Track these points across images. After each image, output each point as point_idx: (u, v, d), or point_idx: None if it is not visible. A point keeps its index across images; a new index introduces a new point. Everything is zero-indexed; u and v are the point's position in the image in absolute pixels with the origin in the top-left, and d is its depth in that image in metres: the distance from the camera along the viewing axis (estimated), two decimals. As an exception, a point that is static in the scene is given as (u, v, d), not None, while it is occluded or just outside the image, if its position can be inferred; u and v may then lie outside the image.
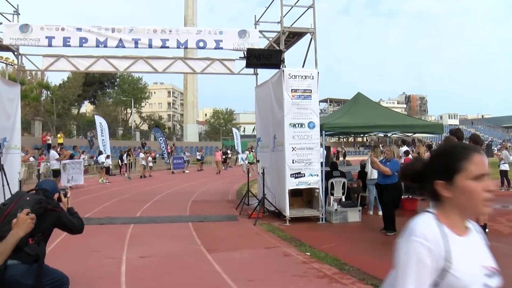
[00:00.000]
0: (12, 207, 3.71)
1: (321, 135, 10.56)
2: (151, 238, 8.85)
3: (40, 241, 3.79)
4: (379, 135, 15.03)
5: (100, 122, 30.03)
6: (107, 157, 25.15)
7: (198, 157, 35.12)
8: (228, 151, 42.95)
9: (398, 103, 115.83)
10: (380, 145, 9.98)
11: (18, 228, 3.11)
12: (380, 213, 9.89)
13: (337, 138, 64.01)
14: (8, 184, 9.59)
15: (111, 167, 26.25)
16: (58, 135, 32.82)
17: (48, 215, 3.87)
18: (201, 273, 6.35)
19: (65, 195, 4.31)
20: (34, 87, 44.23)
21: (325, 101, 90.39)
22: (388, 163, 9.23)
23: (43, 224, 3.79)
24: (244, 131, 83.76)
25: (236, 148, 45.43)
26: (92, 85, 58.24)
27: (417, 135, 16.84)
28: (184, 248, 7.85)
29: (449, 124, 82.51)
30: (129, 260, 7.05)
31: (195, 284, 5.89)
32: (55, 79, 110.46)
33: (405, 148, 16.10)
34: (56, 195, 4.27)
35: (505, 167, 16.49)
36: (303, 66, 11.48)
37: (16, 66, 13.01)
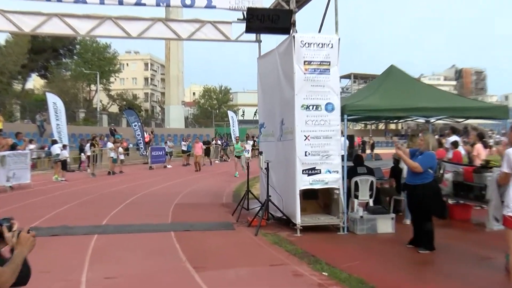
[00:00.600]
0: None
1: (342, 120, 10.53)
2: (120, 253, 8.88)
3: None
4: (418, 120, 14.92)
5: (54, 102, 29.87)
6: (64, 147, 24.76)
7: (184, 148, 35.22)
8: (219, 142, 43.10)
9: (445, 79, 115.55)
10: (420, 134, 9.86)
11: (22, 247, 3.43)
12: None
13: (363, 125, 64.19)
14: None
15: (68, 160, 26.20)
16: None
17: None
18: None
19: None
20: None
21: (347, 77, 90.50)
22: (420, 156, 8.91)
23: None
24: (243, 115, 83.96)
25: (232, 136, 45.38)
26: (42, 52, 56.40)
27: (471, 121, 16.55)
28: (164, 266, 7.87)
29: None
30: (90, 283, 6.98)
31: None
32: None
33: (453, 137, 15.92)
34: None
35: None
36: (319, 31, 11.43)
37: None
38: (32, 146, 25.73)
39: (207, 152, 35.80)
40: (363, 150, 40.60)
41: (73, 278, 7.12)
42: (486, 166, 11.71)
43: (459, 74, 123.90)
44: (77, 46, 63.55)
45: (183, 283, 6.98)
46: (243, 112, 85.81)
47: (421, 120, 14.63)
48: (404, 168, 11.07)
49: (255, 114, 70.68)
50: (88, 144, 28.82)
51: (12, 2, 10.92)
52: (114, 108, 72.57)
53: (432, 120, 14.11)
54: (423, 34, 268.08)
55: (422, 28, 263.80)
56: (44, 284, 6.71)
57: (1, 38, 52.76)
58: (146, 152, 34.48)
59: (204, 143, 34.98)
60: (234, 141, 32.94)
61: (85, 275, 7.37)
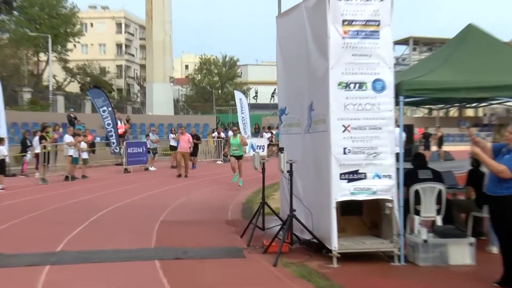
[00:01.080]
0: None
1: (396, 104, 10.62)
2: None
3: None
4: (509, 104, 14.85)
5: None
6: (0, 142, 24.67)
7: (173, 143, 35.30)
8: (222, 134, 43.08)
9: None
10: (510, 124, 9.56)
11: None
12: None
13: (426, 111, 63.50)
14: None
15: (8, 160, 26.06)
16: None
17: None
18: None
19: None
20: None
21: (404, 42, 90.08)
22: (508, 155, 8.65)
23: None
24: (255, 97, 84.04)
25: (242, 126, 45.40)
26: None
27: None
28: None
29: None
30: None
31: None
32: None
33: None
34: None
35: None
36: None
37: None
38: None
39: (195, 151, 34.19)
40: (427, 147, 40.51)
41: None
42: None
43: None
44: (19, -2, 63.41)
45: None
46: (256, 92, 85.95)
47: (514, 102, 14.60)
48: (487, 173, 11.09)
49: (272, 96, 70.86)
50: (37, 138, 28.94)
51: None
52: (74, 87, 72.93)
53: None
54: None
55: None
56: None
57: None
58: (120, 148, 34.65)
59: (192, 137, 32.58)
60: (230, 134, 32.47)
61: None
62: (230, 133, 31.89)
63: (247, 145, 26.58)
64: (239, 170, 24.45)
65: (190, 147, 30.60)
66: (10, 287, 8.83)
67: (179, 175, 28.93)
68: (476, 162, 12.29)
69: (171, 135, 36.27)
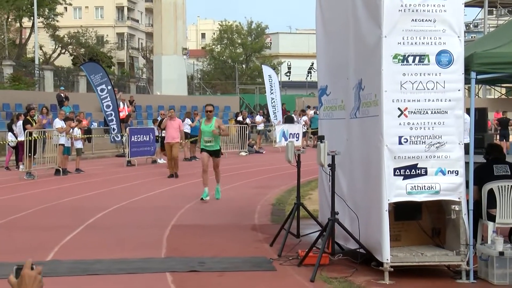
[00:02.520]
0: None
1: (468, 82, 10.61)
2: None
3: None
4: None
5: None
6: None
7: (187, 130, 35.40)
8: (248, 120, 43.07)
9: None
10: None
11: None
12: None
13: (505, 91, 62.58)
14: None
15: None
16: None
17: None
18: None
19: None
20: None
21: (478, 3, 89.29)
22: None
23: None
24: (288, 73, 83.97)
25: (272, 109, 45.45)
26: None
27: None
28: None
29: None
30: None
31: None
32: None
33: None
34: None
35: None
36: None
37: None
38: None
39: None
40: (504, 136, 40.17)
41: None
42: None
43: None
44: None
45: None
46: (289, 68, 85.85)
47: None
48: None
49: (309, 73, 70.65)
50: (20, 122, 28.81)
51: None
52: (65, 60, 73.31)
53: None
54: None
55: None
56: None
57: None
58: (122, 136, 34.74)
59: (160, 123, 30.15)
60: (192, 119, 32.95)
61: None
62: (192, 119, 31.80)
63: (228, 134, 22.65)
64: (215, 174, 19.66)
65: (180, 136, 29.20)
66: None
67: (171, 175, 27.00)
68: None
69: (187, 120, 36.33)
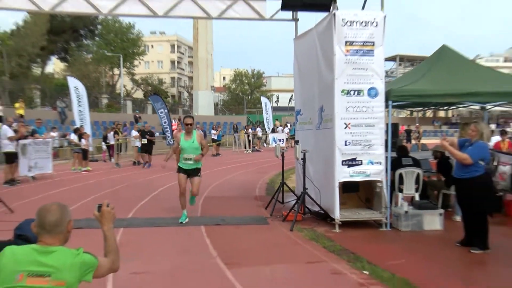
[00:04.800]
0: None
1: (386, 106, 10.53)
2: (148, 247, 9.09)
3: None
4: (472, 107, 14.75)
5: (76, 86, 29.82)
6: (82, 136, 24.71)
7: (214, 137, 35.44)
8: (250, 130, 43.11)
9: (505, 61, 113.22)
10: (473, 123, 9.66)
11: (108, 222, 4.29)
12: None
13: (409, 112, 63.31)
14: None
15: (91, 149, 26.27)
16: (17, 105, 32.06)
17: None
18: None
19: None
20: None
21: (392, 59, 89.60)
22: (470, 147, 8.76)
23: None
24: (277, 101, 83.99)
25: (265, 124, 45.61)
26: (62, 33, 56.36)
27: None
28: (193, 262, 8.04)
29: None
30: (117, 278, 7.11)
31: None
32: (4, 23, 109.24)
33: None
34: None
35: None
36: (363, 8, 11.38)
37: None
38: (53, 134, 26.02)
39: (149, 148, 25.95)
40: (408, 140, 40.29)
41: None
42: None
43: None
44: (99, 27, 63.84)
45: (214, 281, 7.08)
46: (277, 98, 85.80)
47: (476, 107, 14.44)
48: (454, 162, 11.01)
49: (290, 100, 70.70)
50: (112, 133, 28.60)
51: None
52: (139, 94, 73.24)
53: (488, 106, 13.93)
54: (480, 9, 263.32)
55: (478, 4, 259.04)
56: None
57: (19, 18, 53.43)
58: (173, 141, 34.58)
59: (143, 134, 25.77)
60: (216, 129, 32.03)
61: (112, 270, 7.54)
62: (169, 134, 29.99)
63: (207, 151, 12.08)
64: (192, 192, 11.52)
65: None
66: (95, 243, 8.83)
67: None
68: (439, 153, 12.43)
69: (213, 131, 36.32)
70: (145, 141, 24.30)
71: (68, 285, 3.48)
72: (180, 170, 11.19)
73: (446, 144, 8.78)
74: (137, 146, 27.33)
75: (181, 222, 11.05)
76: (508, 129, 41.58)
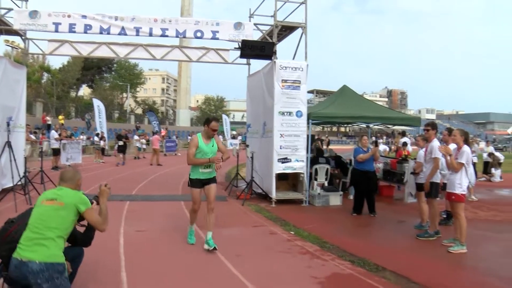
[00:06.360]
0: (19, 225, 3.96)
1: (308, 123, 10.63)
2: (146, 214, 8.98)
3: None
4: (361, 125, 15.14)
5: (98, 105, 29.98)
6: (102, 138, 24.91)
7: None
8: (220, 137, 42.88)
9: (380, 97, 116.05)
10: (364, 136, 10.06)
11: (103, 197, 4.42)
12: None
13: (321, 128, 64.24)
14: (15, 160, 9.61)
15: (106, 147, 25.96)
16: (60, 117, 33.48)
17: None
18: (192, 247, 6.50)
19: (96, 201, 4.60)
20: (36, 69, 43.69)
21: (311, 92, 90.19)
22: (362, 152, 9.51)
23: None
24: (233, 118, 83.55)
25: (225, 133, 45.42)
26: (91, 69, 57.80)
27: (396, 127, 16.85)
28: (177, 225, 7.98)
29: (426, 118, 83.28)
30: (126, 234, 7.18)
31: (187, 257, 6.04)
32: (55, 63, 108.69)
33: (404, 139, 15.88)
34: None
35: (474, 159, 16.93)
36: (293, 59, 11.49)
37: (21, 50, 13.06)
38: (82, 137, 25.98)
39: (123, 149, 22.25)
40: (321, 145, 40.68)
41: (113, 231, 7.23)
42: (405, 159, 12.06)
43: (389, 93, 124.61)
44: (115, 65, 63.66)
45: (190, 237, 7.09)
46: (234, 115, 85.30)
47: (363, 125, 14.86)
48: (353, 160, 11.23)
49: (242, 117, 70.52)
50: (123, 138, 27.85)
51: (76, 35, 11.19)
52: (139, 111, 71.95)
53: (371, 125, 14.39)
54: (367, 63, 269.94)
55: (367, 59, 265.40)
56: (96, 232, 6.79)
57: (64, 60, 54.71)
58: (162, 143, 34.21)
59: (119, 137, 22.52)
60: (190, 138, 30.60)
61: (122, 229, 7.57)
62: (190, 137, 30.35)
63: (228, 156, 6.72)
64: (208, 217, 6.47)
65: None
66: (111, 210, 8.62)
67: (151, 164, 21.96)
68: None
69: (189, 137, 35.79)
70: (121, 143, 21.76)
71: (66, 206, 3.97)
72: (193, 183, 6.51)
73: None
74: (137, 146, 27.02)
75: (192, 243, 6.64)
76: (380, 141, 43.10)
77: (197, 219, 6.90)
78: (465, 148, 6.60)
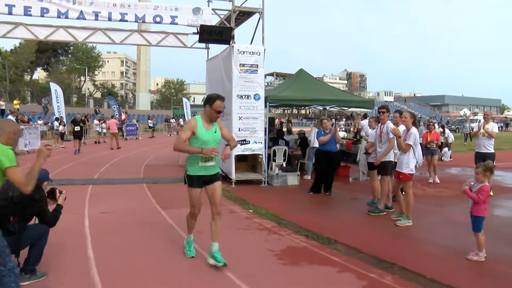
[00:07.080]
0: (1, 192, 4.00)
1: (265, 106, 10.84)
2: (109, 197, 9.03)
3: (20, 221, 4.27)
4: (318, 108, 15.51)
5: (55, 89, 29.01)
6: (61, 123, 24.10)
7: (150, 125, 34.76)
8: (172, 120, 42.58)
9: (340, 79, 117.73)
10: (323, 119, 10.33)
11: (39, 158, 3.77)
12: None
13: (281, 110, 64.66)
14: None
15: (66, 132, 25.27)
16: (15, 101, 32.57)
17: (34, 206, 4.31)
18: (157, 227, 6.69)
19: (60, 192, 4.82)
20: (-16, 52, 42.05)
21: (271, 74, 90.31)
22: (323, 134, 9.66)
23: (27, 212, 4.29)
24: (194, 101, 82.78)
25: (186, 116, 45.09)
26: (46, 52, 55.66)
27: (352, 109, 17.41)
28: (140, 206, 8.11)
29: (384, 100, 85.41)
30: (91, 215, 7.28)
31: (152, 236, 6.23)
32: (6, 44, 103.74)
33: (365, 121, 16.32)
34: (44, 184, 4.62)
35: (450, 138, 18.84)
36: (251, 43, 11.70)
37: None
38: (40, 122, 25.15)
39: (80, 134, 20.20)
40: (281, 129, 41.14)
41: (79, 212, 7.33)
42: (359, 139, 12.55)
43: (349, 76, 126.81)
44: (71, 48, 61.53)
45: (154, 217, 7.30)
46: (194, 98, 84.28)
47: (320, 107, 15.22)
48: (312, 140, 11.53)
49: (202, 100, 69.97)
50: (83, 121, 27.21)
51: (32, 18, 10.85)
52: (98, 94, 70.15)
53: (327, 108, 14.79)
54: (327, 46, 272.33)
55: (326, 42, 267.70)
56: (62, 215, 6.85)
57: (16, 41, 52.41)
58: (122, 127, 33.66)
59: (75, 122, 20.35)
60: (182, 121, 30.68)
61: (87, 211, 7.65)
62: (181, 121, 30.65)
63: (235, 143, 5.49)
64: (214, 211, 4.90)
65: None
66: (74, 194, 8.45)
67: (112, 148, 21.52)
68: (302, 135, 13.14)
69: (149, 120, 35.78)
70: (78, 128, 19.75)
71: None
72: (192, 182, 5.01)
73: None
74: (97, 131, 26.56)
75: (192, 257, 5.18)
76: (340, 123, 43.97)
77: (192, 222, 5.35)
78: (413, 130, 7.04)
